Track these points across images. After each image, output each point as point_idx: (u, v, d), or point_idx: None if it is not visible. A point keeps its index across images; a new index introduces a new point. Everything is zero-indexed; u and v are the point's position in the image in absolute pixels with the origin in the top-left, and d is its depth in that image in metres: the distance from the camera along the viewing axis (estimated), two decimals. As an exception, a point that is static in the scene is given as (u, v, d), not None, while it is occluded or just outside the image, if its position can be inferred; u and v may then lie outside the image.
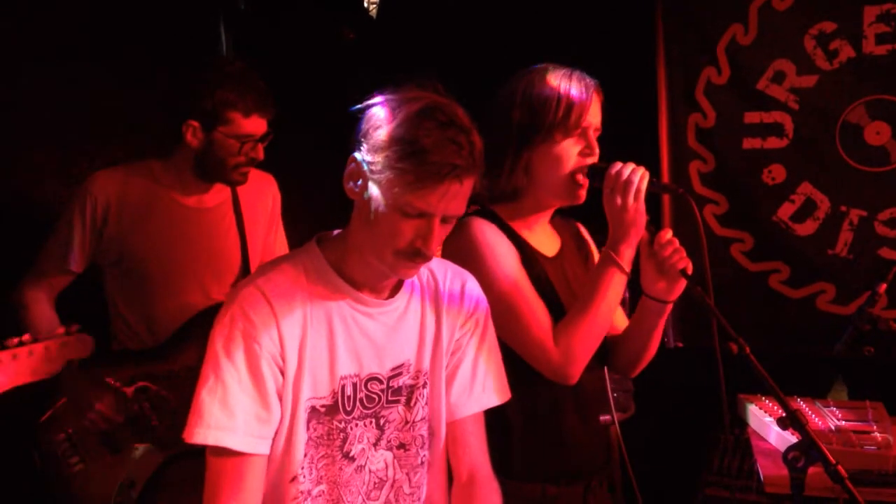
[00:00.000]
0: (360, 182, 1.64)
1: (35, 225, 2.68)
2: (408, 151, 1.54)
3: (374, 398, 1.75)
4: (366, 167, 1.61)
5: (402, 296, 1.78)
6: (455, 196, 1.58)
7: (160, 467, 2.52)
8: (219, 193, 2.75)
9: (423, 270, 1.84)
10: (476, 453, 1.88)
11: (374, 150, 1.59)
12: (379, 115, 1.60)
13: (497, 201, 2.15)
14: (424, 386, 1.81)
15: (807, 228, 3.43)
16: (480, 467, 1.88)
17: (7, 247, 2.70)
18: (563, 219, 2.32)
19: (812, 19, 3.32)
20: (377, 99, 1.64)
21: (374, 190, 1.61)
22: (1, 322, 2.59)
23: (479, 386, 1.87)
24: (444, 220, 1.62)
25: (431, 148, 1.53)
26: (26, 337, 2.09)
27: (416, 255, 1.63)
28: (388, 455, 1.79)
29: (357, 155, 1.63)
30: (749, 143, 3.48)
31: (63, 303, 2.68)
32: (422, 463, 1.83)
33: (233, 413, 1.60)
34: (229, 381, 1.61)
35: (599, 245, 2.30)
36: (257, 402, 1.63)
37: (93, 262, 2.66)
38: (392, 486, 1.80)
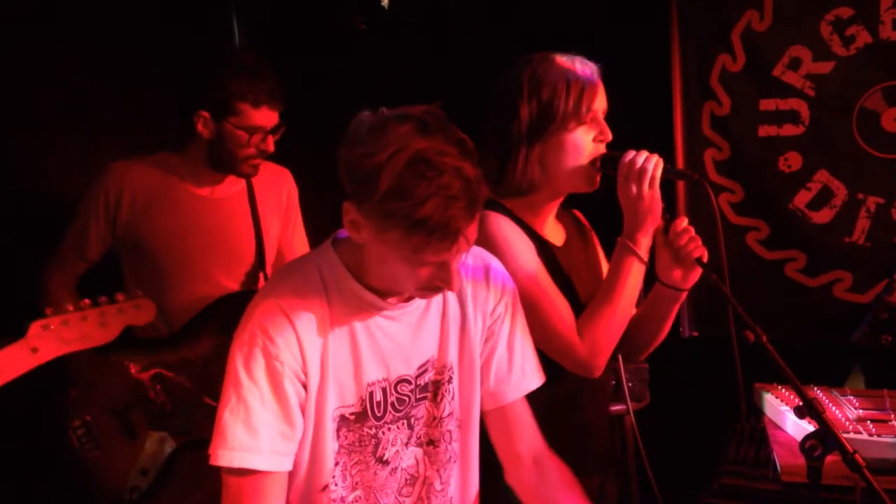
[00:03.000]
0: (362, 232, 1.57)
1: (58, 217, 2.71)
2: (407, 225, 1.47)
3: (405, 399, 1.73)
4: (365, 220, 1.54)
5: None
6: (468, 238, 1.53)
7: (174, 454, 2.55)
8: (233, 184, 2.76)
9: None
10: (533, 434, 1.86)
11: (370, 212, 1.51)
12: (366, 172, 1.48)
13: (507, 195, 2.13)
14: (450, 381, 1.78)
15: (823, 216, 3.40)
16: (542, 447, 1.86)
17: (32, 238, 2.73)
18: (561, 207, 2.30)
19: (828, 5, 3.29)
20: (359, 145, 1.51)
21: (379, 242, 1.55)
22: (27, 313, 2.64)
23: (518, 370, 1.85)
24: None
25: (431, 215, 1.45)
26: (84, 301, 2.05)
27: (438, 290, 1.61)
28: (419, 451, 1.78)
29: (353, 205, 1.54)
30: (765, 131, 3.45)
31: (82, 292, 2.70)
32: (450, 458, 1.81)
33: (257, 433, 1.57)
34: (252, 402, 1.58)
35: (602, 233, 2.29)
36: (281, 420, 1.60)
37: (111, 251, 2.68)
38: (423, 482, 1.79)
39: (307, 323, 1.61)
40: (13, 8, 2.74)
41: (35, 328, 1.97)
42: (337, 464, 1.69)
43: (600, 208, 2.27)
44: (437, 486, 1.81)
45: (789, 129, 3.42)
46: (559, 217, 2.26)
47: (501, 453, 1.87)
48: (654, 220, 2.01)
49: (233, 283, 2.71)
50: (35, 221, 2.81)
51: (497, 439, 1.87)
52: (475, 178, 1.50)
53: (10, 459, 2.67)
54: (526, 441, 1.86)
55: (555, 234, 2.21)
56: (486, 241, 2.01)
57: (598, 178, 2.09)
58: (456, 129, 1.54)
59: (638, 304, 2.24)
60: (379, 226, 1.51)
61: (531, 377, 1.87)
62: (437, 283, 1.58)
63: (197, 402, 2.54)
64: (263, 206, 2.81)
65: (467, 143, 1.53)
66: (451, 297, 1.79)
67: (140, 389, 2.55)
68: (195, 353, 2.59)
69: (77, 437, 2.52)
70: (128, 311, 2.12)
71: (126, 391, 2.55)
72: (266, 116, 2.59)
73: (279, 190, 2.89)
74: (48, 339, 1.97)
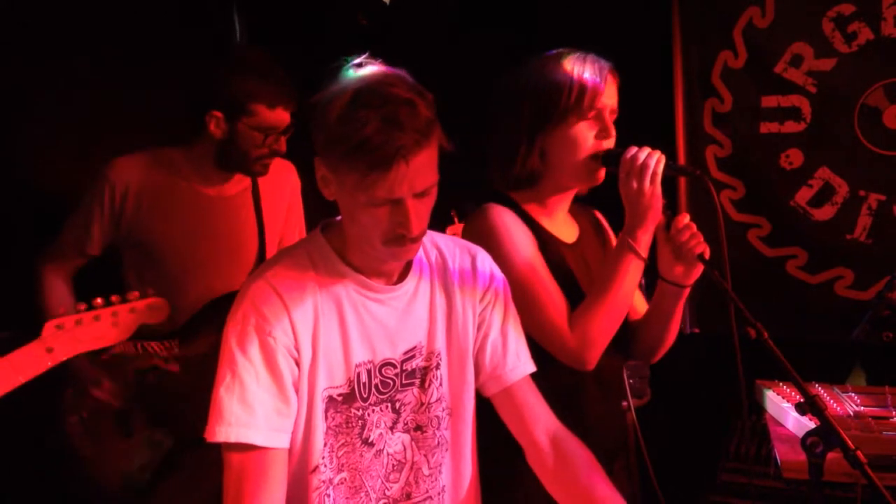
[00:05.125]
0: (331, 187, 1.64)
1: (60, 214, 2.70)
2: (350, 147, 1.52)
3: (389, 383, 1.76)
4: (326, 168, 1.61)
5: (411, 279, 1.78)
6: (415, 173, 1.55)
7: (172, 452, 2.55)
8: (238, 182, 2.76)
9: (432, 250, 1.84)
10: (545, 415, 1.87)
11: (325, 151, 1.59)
12: (319, 115, 1.59)
13: (513, 188, 2.14)
14: (438, 367, 1.81)
15: (825, 213, 3.40)
16: (557, 427, 1.86)
17: (34, 235, 2.72)
18: (581, 206, 2.31)
19: (830, 1, 3.28)
20: (315, 96, 1.61)
21: (341, 188, 1.61)
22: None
23: (513, 354, 1.86)
24: (418, 196, 1.59)
25: (371, 136, 1.50)
26: (98, 301, 2.04)
27: (403, 240, 1.62)
28: (406, 437, 1.79)
29: (320, 159, 1.63)
30: (766, 128, 3.44)
31: (81, 287, 2.70)
32: (439, 444, 1.83)
33: (252, 409, 1.60)
34: (246, 378, 1.61)
35: (617, 231, 2.29)
36: (276, 396, 1.63)
37: (112, 247, 2.68)
38: (411, 468, 1.81)
39: (298, 302, 1.65)
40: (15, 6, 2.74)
41: (49, 328, 1.96)
42: (325, 445, 1.70)
43: (604, 206, 2.27)
44: (426, 470, 1.82)
45: (791, 126, 3.41)
46: (575, 214, 2.26)
47: (519, 438, 1.88)
48: (654, 216, 2.01)
49: (235, 282, 2.69)
50: (35, 218, 2.81)
51: (511, 424, 1.88)
52: (426, 116, 1.55)
53: (7, 457, 2.67)
54: (539, 423, 1.86)
55: (565, 230, 2.21)
56: (484, 229, 2.04)
57: (602, 173, 2.10)
58: (417, 83, 1.60)
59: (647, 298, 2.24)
60: (332, 160, 1.58)
61: (526, 362, 1.89)
62: (398, 229, 1.60)
63: (195, 401, 2.53)
64: (268, 203, 2.81)
65: (426, 92, 1.60)
66: (438, 285, 1.82)
67: (138, 387, 2.56)
68: (195, 350, 2.60)
69: (74, 434, 2.52)
70: (141, 310, 2.11)
71: (124, 388, 2.55)
72: (280, 117, 2.59)
73: (283, 185, 2.89)
74: (63, 339, 1.96)
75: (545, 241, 2.11)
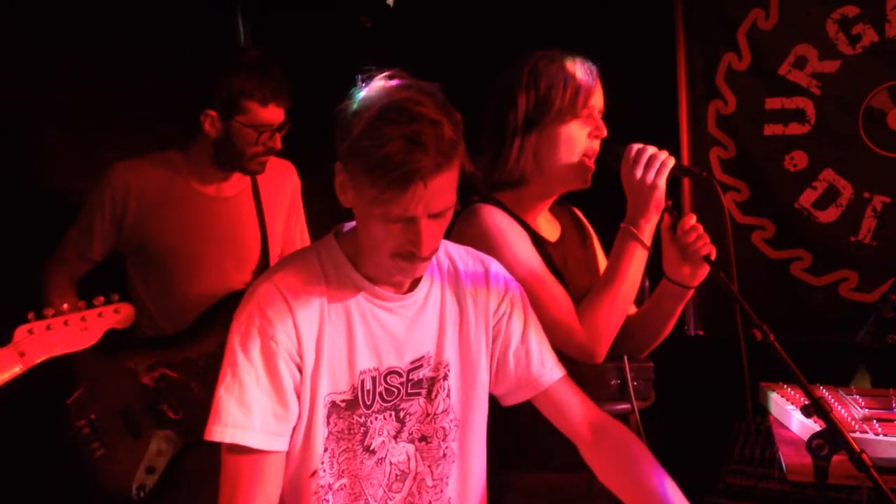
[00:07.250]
0: (348, 193, 1.63)
1: (60, 215, 2.71)
2: (371, 162, 1.51)
3: (394, 391, 1.75)
4: (346, 176, 1.60)
5: (421, 288, 1.77)
6: (432, 194, 1.54)
7: (180, 453, 2.55)
8: (238, 182, 2.76)
9: (444, 259, 1.83)
10: (584, 408, 1.85)
11: (346, 160, 1.58)
12: (345, 123, 1.57)
13: (499, 188, 2.14)
14: (446, 378, 1.79)
15: (829, 215, 3.39)
16: (601, 418, 1.85)
17: (33, 236, 2.72)
18: (559, 204, 2.31)
19: (834, 3, 3.28)
20: (347, 99, 1.60)
21: (358, 197, 1.60)
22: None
23: (538, 362, 1.85)
24: (433, 217, 1.58)
25: (393, 154, 1.48)
26: (65, 306, 2.07)
27: (412, 257, 1.61)
28: (410, 447, 1.78)
29: (340, 164, 1.62)
30: (770, 130, 3.44)
31: (86, 291, 2.69)
32: (445, 455, 1.82)
33: (250, 411, 1.60)
34: (246, 379, 1.61)
35: (601, 229, 2.30)
36: (274, 400, 1.63)
37: (115, 250, 2.68)
38: (414, 478, 1.80)
39: (304, 307, 1.65)
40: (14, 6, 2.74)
41: (20, 333, 2.00)
42: (326, 450, 1.70)
43: (603, 208, 2.27)
44: (429, 482, 1.81)
45: (795, 128, 3.41)
46: (555, 213, 2.27)
47: (566, 433, 1.87)
48: (657, 206, 2.02)
49: (238, 282, 2.71)
50: (37, 221, 2.81)
51: (554, 422, 1.87)
52: (449, 137, 1.53)
53: (16, 459, 2.67)
54: (579, 417, 1.85)
55: (548, 229, 2.22)
56: (481, 232, 2.04)
57: (589, 177, 2.11)
58: (447, 102, 1.58)
59: (641, 301, 2.24)
60: (352, 171, 1.57)
61: (552, 368, 1.86)
62: (409, 246, 1.59)
63: (202, 401, 2.54)
64: (268, 203, 2.82)
65: (454, 112, 1.58)
66: (449, 295, 1.81)
67: (145, 389, 2.56)
68: (199, 351, 2.60)
69: (82, 436, 2.52)
70: (108, 315, 2.14)
71: (131, 391, 2.55)
72: (274, 114, 2.59)
73: (284, 185, 2.89)
74: (34, 344, 2.00)
75: (535, 241, 2.12)
